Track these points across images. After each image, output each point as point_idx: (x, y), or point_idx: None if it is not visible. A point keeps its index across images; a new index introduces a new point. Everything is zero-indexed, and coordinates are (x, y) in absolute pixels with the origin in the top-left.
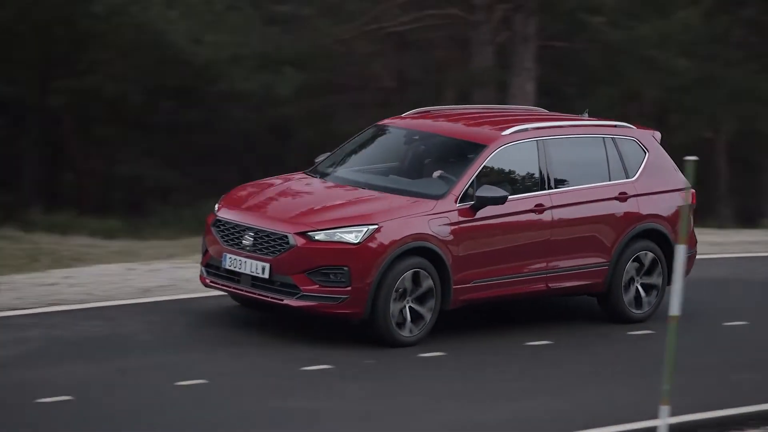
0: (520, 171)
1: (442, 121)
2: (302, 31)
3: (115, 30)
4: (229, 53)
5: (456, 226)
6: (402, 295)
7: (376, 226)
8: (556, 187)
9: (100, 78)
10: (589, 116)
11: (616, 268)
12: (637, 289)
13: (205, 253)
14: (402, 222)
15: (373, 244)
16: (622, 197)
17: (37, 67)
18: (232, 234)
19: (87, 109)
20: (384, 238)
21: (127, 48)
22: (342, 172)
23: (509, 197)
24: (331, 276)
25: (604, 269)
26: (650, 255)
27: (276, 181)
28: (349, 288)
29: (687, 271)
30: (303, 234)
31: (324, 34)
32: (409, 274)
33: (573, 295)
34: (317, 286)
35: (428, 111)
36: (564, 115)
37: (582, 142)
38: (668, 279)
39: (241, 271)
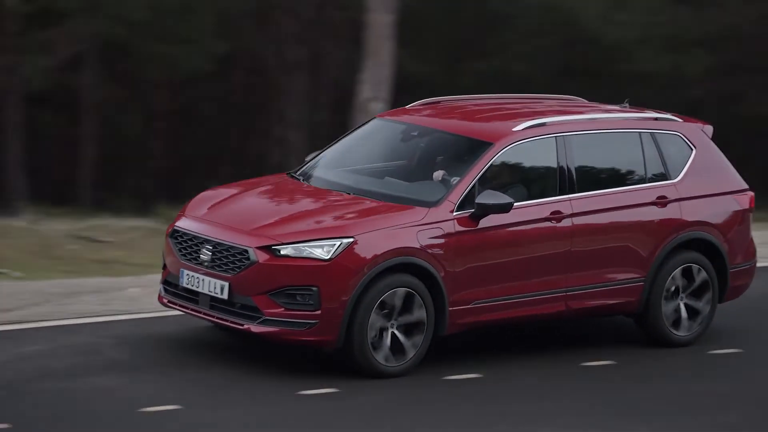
0: (535, 173)
1: (447, 115)
2: (712, 11)
3: (523, 11)
4: (637, 33)
5: (452, 238)
6: (386, 318)
7: (351, 240)
8: (578, 191)
9: (508, 58)
10: (631, 106)
11: (654, 285)
12: (681, 307)
13: (165, 267)
14: (384, 234)
15: (347, 261)
16: (661, 202)
17: (448, 48)
18: (190, 247)
19: (495, 90)
20: (361, 253)
21: (534, 29)
22: (329, 173)
23: (520, 204)
24: (297, 298)
25: (639, 286)
26: (697, 268)
27: (251, 184)
28: (318, 312)
29: (746, 285)
30: (266, 248)
31: (734, 14)
32: (391, 295)
33: (601, 316)
34: (282, 309)
35: (438, 102)
36: (599, 106)
37: (613, 139)
38: (720, 296)
39: (199, 290)
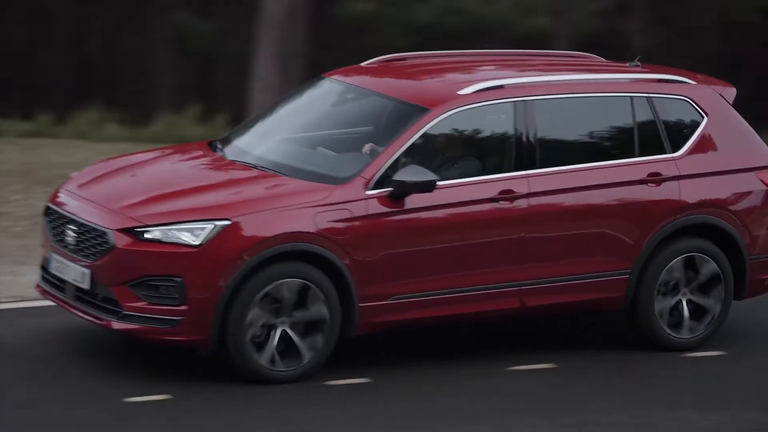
0: (487, 144)
1: (394, 74)
2: None
3: None
4: None
5: (364, 221)
6: (275, 315)
7: (227, 222)
8: (541, 167)
9: None
10: (643, 65)
11: (644, 278)
12: (684, 305)
13: None
14: (270, 216)
15: (220, 247)
16: (654, 180)
17: None
18: (59, 227)
19: None
20: (239, 238)
21: None
22: (250, 143)
23: (459, 181)
24: (161, 290)
25: (624, 279)
26: (703, 259)
27: (152, 154)
28: (184, 307)
29: None
30: (128, 231)
31: None
32: (279, 287)
33: (575, 312)
34: (144, 303)
35: (404, 58)
36: (603, 65)
37: (593, 105)
38: (737, 291)
39: (65, 278)
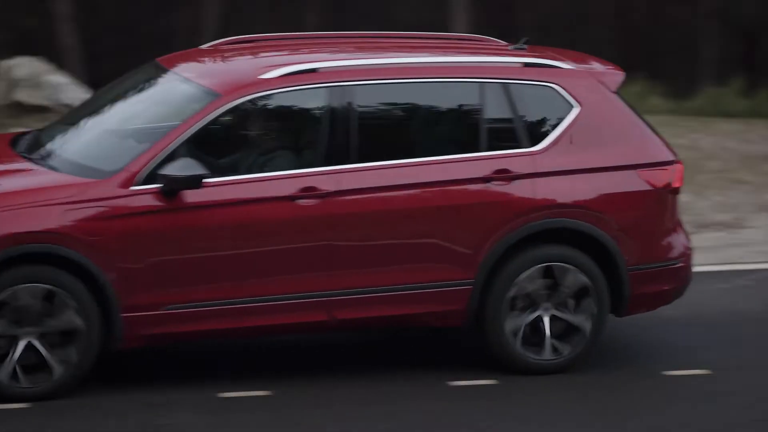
0: (289, 135)
1: (214, 58)
2: None
3: None
4: None
5: (126, 221)
6: (18, 325)
7: None
8: (357, 162)
9: None
10: (530, 48)
11: (490, 290)
12: (545, 322)
13: None
14: (7, 213)
15: None
16: (501, 177)
17: None
18: None
19: None
20: None
21: None
22: (53, 135)
23: (244, 177)
24: None
25: (465, 291)
26: (566, 269)
27: None
28: None
29: (671, 292)
30: None
31: None
32: (17, 293)
33: (405, 327)
34: None
35: (250, 40)
36: (472, 48)
37: (431, 91)
38: (617, 306)
39: None
